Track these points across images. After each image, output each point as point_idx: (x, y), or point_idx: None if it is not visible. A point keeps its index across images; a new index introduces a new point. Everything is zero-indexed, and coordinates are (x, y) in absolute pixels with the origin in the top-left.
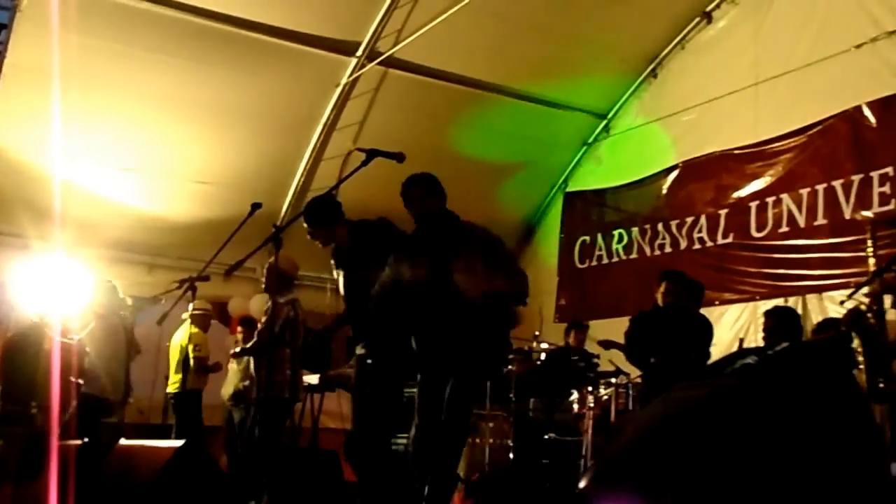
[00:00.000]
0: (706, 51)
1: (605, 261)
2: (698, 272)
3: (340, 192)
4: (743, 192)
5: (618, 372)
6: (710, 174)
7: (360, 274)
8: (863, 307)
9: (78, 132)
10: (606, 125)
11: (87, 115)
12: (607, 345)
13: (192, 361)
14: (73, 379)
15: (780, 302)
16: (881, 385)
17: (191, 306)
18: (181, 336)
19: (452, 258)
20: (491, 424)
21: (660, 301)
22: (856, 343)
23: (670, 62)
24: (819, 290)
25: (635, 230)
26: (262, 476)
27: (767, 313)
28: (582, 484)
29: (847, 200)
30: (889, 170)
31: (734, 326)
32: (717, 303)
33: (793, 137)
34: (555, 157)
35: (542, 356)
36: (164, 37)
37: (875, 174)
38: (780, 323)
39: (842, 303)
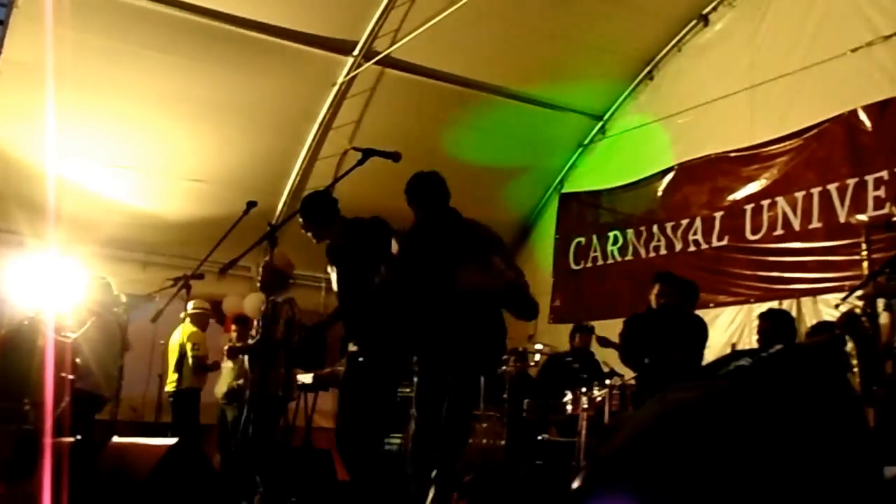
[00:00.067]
0: (703, 53)
1: (600, 262)
2: (693, 274)
3: (336, 190)
4: (738, 195)
5: (612, 373)
6: (705, 176)
7: (353, 271)
8: (857, 310)
9: (73, 129)
10: (602, 127)
11: (83, 112)
12: (605, 342)
13: (190, 360)
14: (65, 375)
15: (774, 304)
16: (874, 388)
17: (190, 305)
18: (180, 335)
19: (454, 254)
20: (485, 425)
21: (653, 303)
22: (849, 346)
23: (667, 64)
24: (813, 293)
25: (630, 232)
26: (255, 475)
27: (762, 316)
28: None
29: (842, 204)
30: (884, 174)
31: (728, 329)
32: (711, 305)
33: (788, 140)
34: (551, 159)
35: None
36: (160, 34)
37: (870, 178)
38: (775, 325)
39: (836, 306)
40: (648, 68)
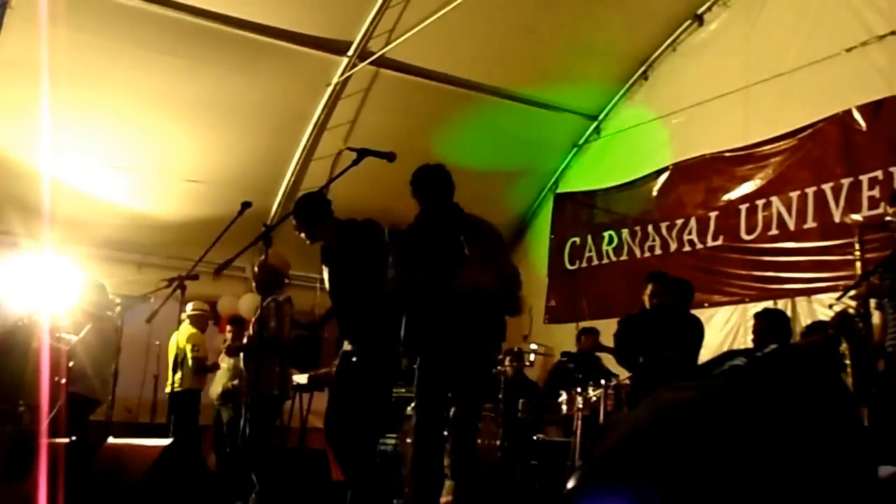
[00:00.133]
0: (697, 53)
1: (595, 262)
2: (688, 274)
3: (331, 191)
4: (733, 195)
5: (607, 374)
6: (700, 176)
7: (345, 272)
8: (851, 311)
9: (67, 129)
10: (597, 127)
11: (77, 112)
12: (598, 348)
13: (190, 362)
14: (58, 379)
15: (769, 304)
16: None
17: (189, 307)
18: (179, 336)
19: (456, 249)
20: (480, 425)
21: (647, 303)
22: (843, 346)
23: (661, 64)
24: (808, 292)
25: (625, 232)
26: (250, 475)
27: (757, 315)
28: (570, 484)
29: (836, 204)
30: (878, 173)
31: (723, 329)
32: (706, 305)
33: (783, 140)
34: (545, 159)
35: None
36: (155, 34)
37: (864, 178)
38: (770, 325)
39: (830, 306)
40: (643, 68)
